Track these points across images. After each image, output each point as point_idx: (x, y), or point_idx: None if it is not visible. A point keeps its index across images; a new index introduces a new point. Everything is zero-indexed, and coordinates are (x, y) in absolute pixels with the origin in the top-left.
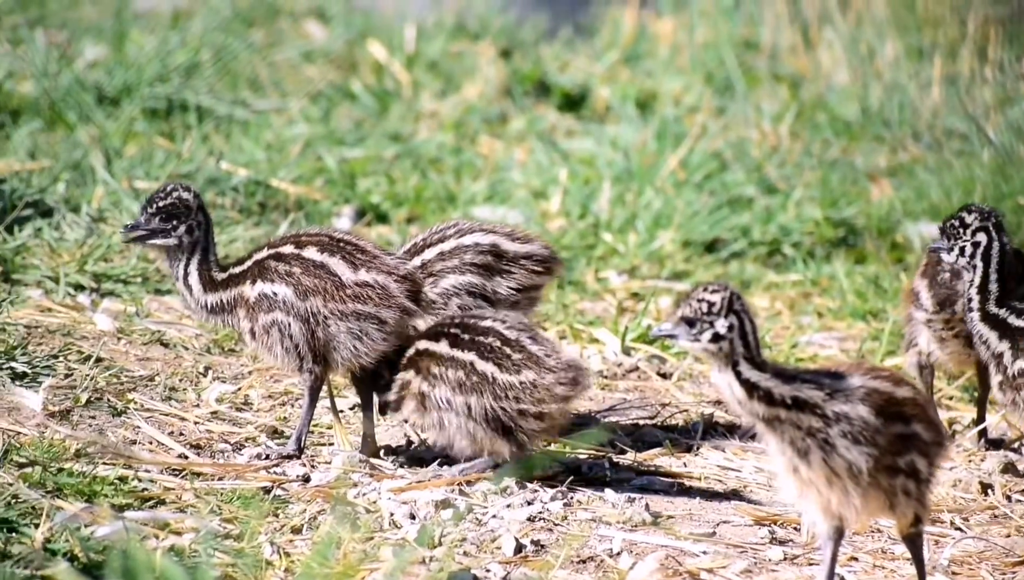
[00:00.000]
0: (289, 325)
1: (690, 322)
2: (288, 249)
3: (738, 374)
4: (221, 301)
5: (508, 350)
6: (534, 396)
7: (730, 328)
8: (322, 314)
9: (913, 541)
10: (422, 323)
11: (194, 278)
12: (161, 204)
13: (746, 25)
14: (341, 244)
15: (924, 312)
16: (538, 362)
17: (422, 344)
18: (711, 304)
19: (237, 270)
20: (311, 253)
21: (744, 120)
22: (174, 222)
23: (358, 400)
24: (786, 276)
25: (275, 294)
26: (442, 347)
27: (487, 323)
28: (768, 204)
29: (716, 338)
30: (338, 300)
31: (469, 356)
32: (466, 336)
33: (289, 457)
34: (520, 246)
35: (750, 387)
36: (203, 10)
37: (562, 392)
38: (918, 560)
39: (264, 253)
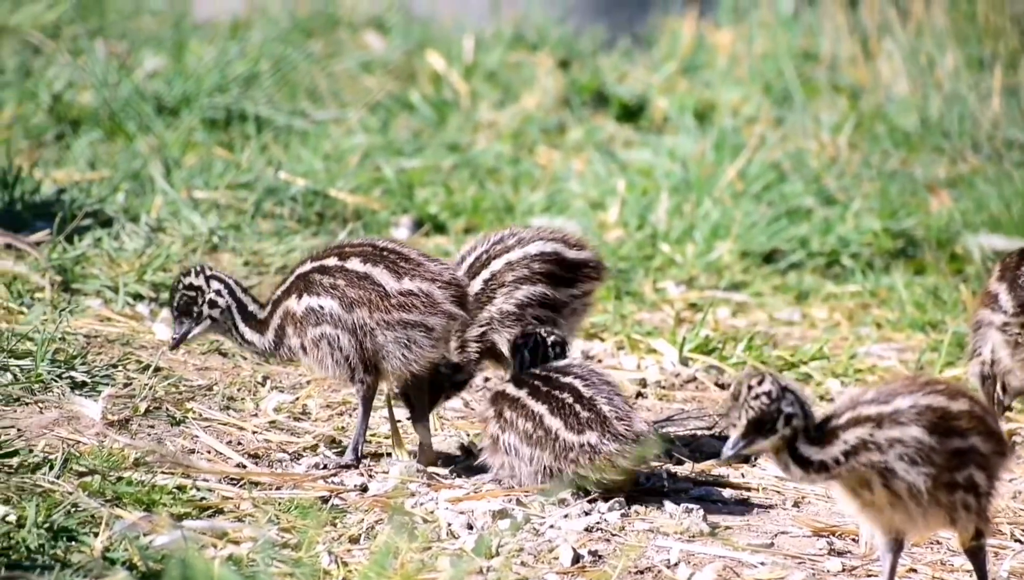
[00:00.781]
0: (338, 338)
1: (759, 423)
2: (332, 261)
3: (793, 451)
4: (275, 333)
5: (578, 408)
6: (593, 460)
7: (792, 404)
8: (369, 325)
9: (975, 554)
10: (502, 338)
11: (249, 334)
12: (176, 303)
13: (805, 36)
14: (384, 253)
15: (1002, 314)
16: (604, 425)
17: (508, 387)
18: (768, 394)
19: (279, 291)
20: (355, 264)
21: (803, 131)
22: (195, 310)
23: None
24: (845, 287)
25: (322, 308)
26: (521, 393)
27: (568, 379)
28: (827, 215)
29: (788, 420)
30: (383, 310)
31: (540, 408)
32: (544, 388)
33: (347, 467)
34: (578, 253)
35: (805, 464)
36: (262, 21)
37: (622, 463)
38: (981, 573)
39: (308, 266)
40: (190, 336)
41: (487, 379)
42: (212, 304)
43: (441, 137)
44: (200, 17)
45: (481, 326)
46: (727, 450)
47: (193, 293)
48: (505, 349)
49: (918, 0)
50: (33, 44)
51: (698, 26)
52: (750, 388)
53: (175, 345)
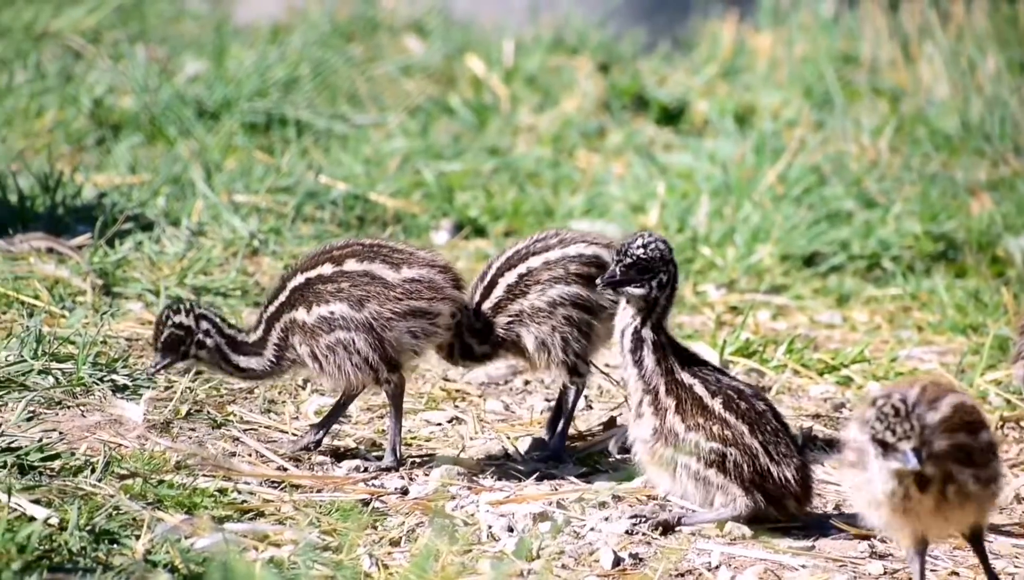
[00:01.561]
0: (353, 341)
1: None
2: (328, 268)
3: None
4: (275, 349)
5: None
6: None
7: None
8: (383, 318)
9: (980, 541)
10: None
11: (245, 362)
12: (163, 338)
13: (845, 39)
14: (376, 249)
15: None
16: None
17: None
18: (906, 419)
19: (272, 309)
20: (352, 265)
21: (843, 134)
22: (182, 349)
23: (457, 414)
24: (885, 290)
25: (332, 313)
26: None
27: (761, 405)
28: (867, 218)
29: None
30: (392, 300)
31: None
32: (741, 404)
33: (388, 470)
34: None
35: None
36: (302, 25)
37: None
38: (985, 557)
39: (301, 278)
40: (171, 367)
41: (527, 382)
42: (200, 345)
43: (481, 141)
44: (240, 21)
45: (510, 317)
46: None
47: (181, 333)
48: (530, 344)
49: (959, 3)
50: (74, 49)
51: (738, 29)
52: (890, 412)
53: (154, 374)
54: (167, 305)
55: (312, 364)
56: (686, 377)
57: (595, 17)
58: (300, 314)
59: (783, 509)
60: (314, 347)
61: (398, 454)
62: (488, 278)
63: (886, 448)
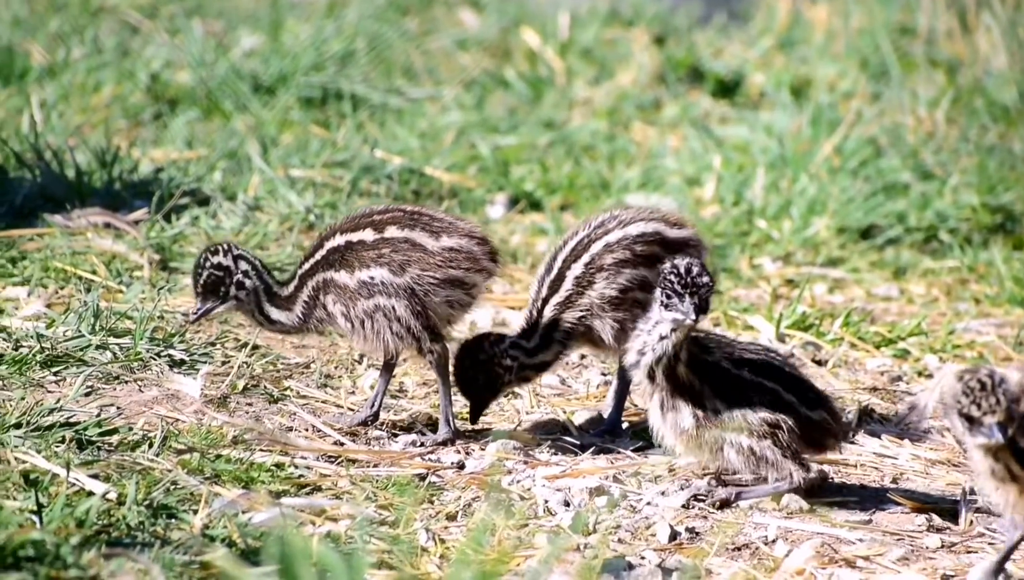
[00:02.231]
0: (395, 307)
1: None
2: (369, 234)
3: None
4: (306, 306)
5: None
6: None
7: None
8: (423, 285)
9: None
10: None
11: (275, 314)
12: (203, 281)
13: (902, 10)
14: (416, 216)
15: None
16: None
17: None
18: (991, 394)
19: (307, 266)
20: (393, 232)
21: (900, 106)
22: (222, 290)
23: (513, 388)
24: (943, 262)
25: (372, 278)
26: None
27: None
28: (924, 190)
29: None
30: (432, 268)
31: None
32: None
33: (444, 443)
34: (679, 232)
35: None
36: None
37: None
38: None
39: (340, 240)
40: (212, 314)
41: (583, 356)
42: (240, 285)
43: (536, 114)
44: None
45: (581, 311)
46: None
47: (221, 273)
48: (606, 335)
49: None
50: (131, 24)
51: (794, 1)
52: (977, 390)
53: (195, 320)
54: (204, 248)
55: (344, 324)
56: (707, 358)
57: None
58: (339, 276)
59: (825, 450)
60: (351, 310)
61: (452, 425)
62: (555, 271)
63: (972, 423)
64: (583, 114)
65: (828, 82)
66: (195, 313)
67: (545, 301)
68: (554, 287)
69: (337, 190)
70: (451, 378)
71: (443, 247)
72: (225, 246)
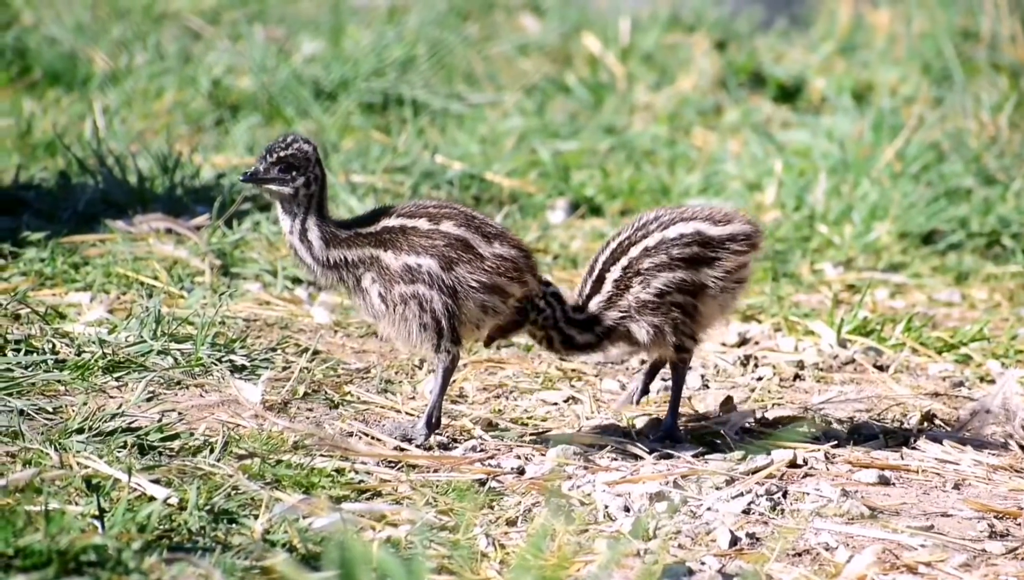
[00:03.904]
0: (432, 298)
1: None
2: (424, 223)
3: None
4: (345, 258)
5: None
6: None
7: None
8: (466, 285)
9: None
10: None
11: (314, 234)
12: (281, 153)
13: (964, 15)
14: (471, 218)
15: None
16: None
17: None
18: None
19: (364, 231)
20: (448, 227)
21: (962, 110)
22: (293, 173)
23: (573, 394)
24: (1005, 268)
25: (419, 266)
26: None
27: None
28: (987, 195)
29: None
30: (480, 272)
31: None
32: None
33: (420, 444)
34: (723, 229)
35: None
36: (419, 4)
37: None
38: None
39: (394, 221)
40: (264, 186)
41: (643, 362)
42: (307, 183)
43: (597, 119)
44: (357, 1)
45: (622, 312)
46: None
47: (300, 159)
48: (643, 337)
49: None
50: (193, 30)
51: (856, 6)
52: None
53: (248, 179)
54: (293, 134)
55: (376, 302)
56: None
57: None
58: (386, 256)
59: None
60: (389, 291)
61: (432, 427)
62: (596, 273)
63: None
64: (644, 119)
65: (890, 87)
66: (250, 175)
67: (588, 298)
68: (596, 288)
69: (398, 196)
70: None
71: (495, 253)
72: (315, 145)
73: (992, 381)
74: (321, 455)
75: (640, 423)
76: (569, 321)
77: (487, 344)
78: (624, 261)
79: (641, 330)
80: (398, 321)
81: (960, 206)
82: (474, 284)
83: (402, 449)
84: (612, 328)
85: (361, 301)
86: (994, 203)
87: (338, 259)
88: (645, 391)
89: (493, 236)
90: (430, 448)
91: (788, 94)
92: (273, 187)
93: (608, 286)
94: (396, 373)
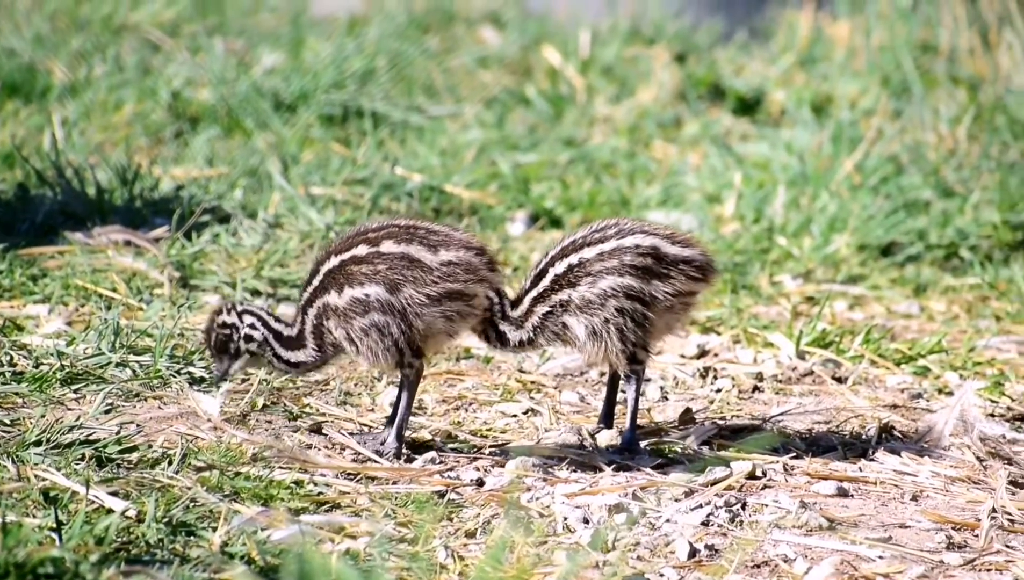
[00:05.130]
0: (388, 323)
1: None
2: (364, 250)
3: None
4: (314, 338)
5: None
6: None
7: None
8: (416, 303)
9: None
10: (574, 323)
11: (290, 356)
12: (212, 342)
13: (923, 27)
14: (412, 230)
15: None
16: None
17: None
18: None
19: (306, 295)
20: (389, 246)
21: (921, 123)
22: (232, 347)
23: (532, 405)
24: (963, 280)
25: (367, 296)
26: None
27: None
28: (945, 207)
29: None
30: (429, 284)
31: None
32: None
33: (390, 456)
34: (680, 250)
35: None
36: (379, 16)
37: None
38: None
39: (335, 261)
40: (231, 371)
41: (603, 374)
42: (248, 338)
43: (557, 132)
44: (317, 13)
45: (549, 306)
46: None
47: (228, 330)
48: (580, 333)
49: None
50: (152, 42)
51: (815, 18)
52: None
53: (219, 381)
54: (211, 311)
55: (349, 347)
56: None
57: (671, 7)
58: (333, 297)
59: None
60: (348, 330)
61: (402, 440)
62: (539, 267)
63: None
64: (603, 131)
65: (849, 99)
66: (217, 375)
67: (526, 292)
68: (535, 282)
69: (358, 208)
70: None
71: (442, 261)
72: (229, 305)
73: (950, 393)
74: (280, 467)
75: (599, 436)
76: (505, 318)
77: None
78: (574, 259)
79: (580, 326)
80: (367, 352)
81: (919, 218)
82: (424, 300)
83: (364, 460)
84: (540, 325)
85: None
86: (952, 215)
87: (314, 347)
88: (610, 413)
89: (439, 244)
90: (408, 459)
91: (748, 106)
92: (239, 366)
93: (547, 281)
94: (355, 385)
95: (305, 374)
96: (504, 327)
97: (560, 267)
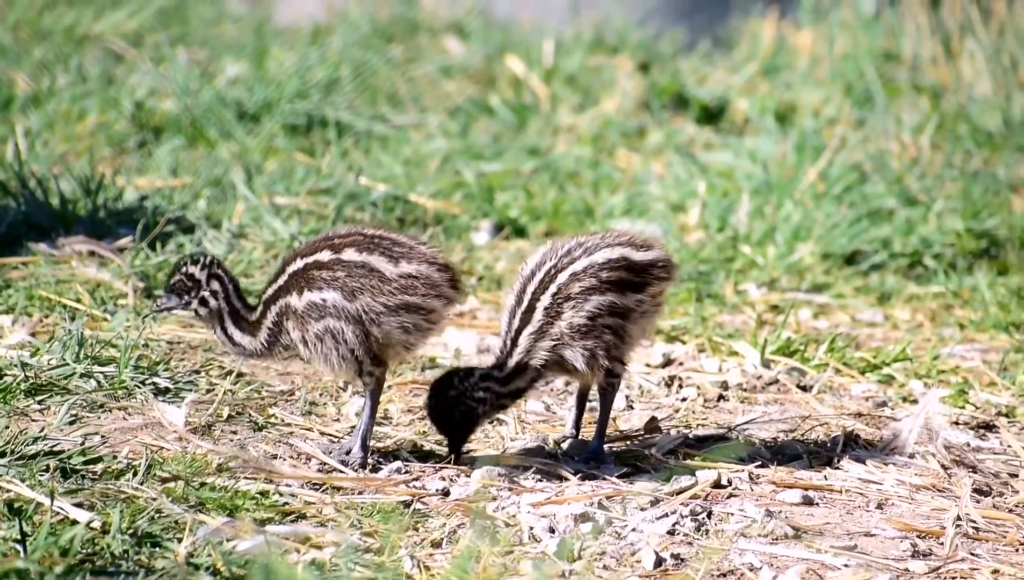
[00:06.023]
0: (343, 330)
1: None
2: (327, 255)
3: None
4: (268, 332)
5: None
6: None
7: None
8: (373, 312)
9: None
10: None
11: (238, 337)
12: (172, 281)
13: (886, 36)
14: (376, 240)
15: None
16: None
17: None
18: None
19: (270, 292)
20: (351, 254)
21: (884, 132)
22: (186, 297)
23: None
24: (927, 288)
25: (324, 301)
26: None
27: None
28: (909, 216)
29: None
30: (387, 294)
31: None
32: None
33: (355, 466)
34: (646, 254)
35: None
36: (343, 26)
37: None
38: None
39: (300, 263)
40: (173, 312)
41: (567, 383)
42: (203, 302)
43: (521, 141)
44: (281, 23)
45: (553, 340)
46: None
47: (191, 284)
48: (578, 363)
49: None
50: (115, 52)
51: (779, 27)
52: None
53: (155, 313)
54: (191, 253)
55: (303, 350)
56: None
57: (635, 16)
58: (293, 299)
59: None
60: (304, 333)
61: (368, 449)
62: (526, 303)
63: None
64: (568, 141)
65: (812, 108)
66: (159, 307)
67: (519, 332)
68: (526, 319)
69: (322, 217)
70: (429, 416)
71: (402, 273)
72: (208, 260)
73: (915, 401)
74: (245, 477)
75: (565, 445)
76: (503, 383)
77: (456, 457)
78: (553, 288)
79: (576, 355)
80: (321, 357)
81: (882, 227)
82: (381, 309)
83: (329, 471)
84: (546, 361)
85: (299, 352)
86: (916, 224)
87: (266, 340)
88: (579, 422)
89: (401, 256)
90: (373, 469)
91: (711, 115)
92: (178, 312)
93: (539, 315)
94: (320, 395)
95: (242, 358)
96: (507, 389)
97: (546, 300)
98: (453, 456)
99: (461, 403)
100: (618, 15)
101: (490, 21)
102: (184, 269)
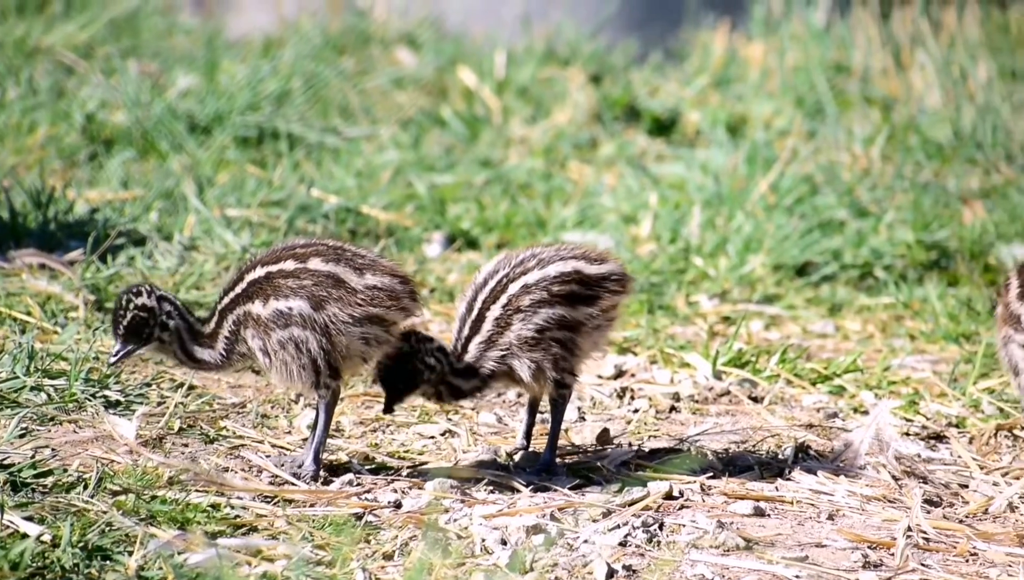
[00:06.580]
0: (307, 339)
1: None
2: (291, 264)
3: None
4: (226, 342)
5: None
6: None
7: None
8: (339, 322)
9: None
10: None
11: (199, 353)
12: (125, 323)
13: (837, 48)
14: (340, 251)
15: None
16: None
17: None
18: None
19: (227, 300)
20: (316, 264)
21: (835, 143)
22: (145, 331)
23: (450, 427)
24: (878, 299)
25: (290, 309)
26: None
27: None
28: (859, 227)
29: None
30: (352, 305)
31: None
32: None
33: (307, 479)
34: (599, 268)
35: None
36: (294, 38)
37: None
38: None
39: (261, 271)
40: (133, 355)
41: (519, 395)
42: (163, 326)
43: (473, 153)
44: (232, 35)
45: (502, 350)
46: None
47: (145, 314)
48: (524, 374)
49: (950, 11)
50: (66, 64)
51: (730, 39)
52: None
53: (117, 361)
54: (125, 289)
55: (262, 359)
56: None
57: (587, 28)
58: (255, 307)
59: None
60: (266, 342)
61: (320, 462)
62: (476, 311)
63: None
64: (520, 153)
65: (764, 120)
66: (116, 355)
67: (468, 339)
68: (476, 327)
69: (274, 229)
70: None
71: (367, 285)
72: (148, 288)
73: (866, 412)
74: (196, 490)
75: (517, 457)
76: (455, 371)
77: (387, 411)
78: (503, 298)
79: (523, 367)
80: (279, 366)
81: (833, 238)
82: (347, 319)
83: (281, 483)
84: (493, 370)
85: (254, 361)
86: (867, 235)
87: (224, 349)
88: (529, 433)
89: (365, 267)
90: (325, 482)
91: (663, 127)
92: (143, 352)
93: (488, 325)
94: (272, 407)
95: (202, 372)
96: (455, 380)
97: (496, 310)
98: (384, 409)
99: (410, 361)
100: (570, 27)
101: (442, 33)
102: (132, 304)
